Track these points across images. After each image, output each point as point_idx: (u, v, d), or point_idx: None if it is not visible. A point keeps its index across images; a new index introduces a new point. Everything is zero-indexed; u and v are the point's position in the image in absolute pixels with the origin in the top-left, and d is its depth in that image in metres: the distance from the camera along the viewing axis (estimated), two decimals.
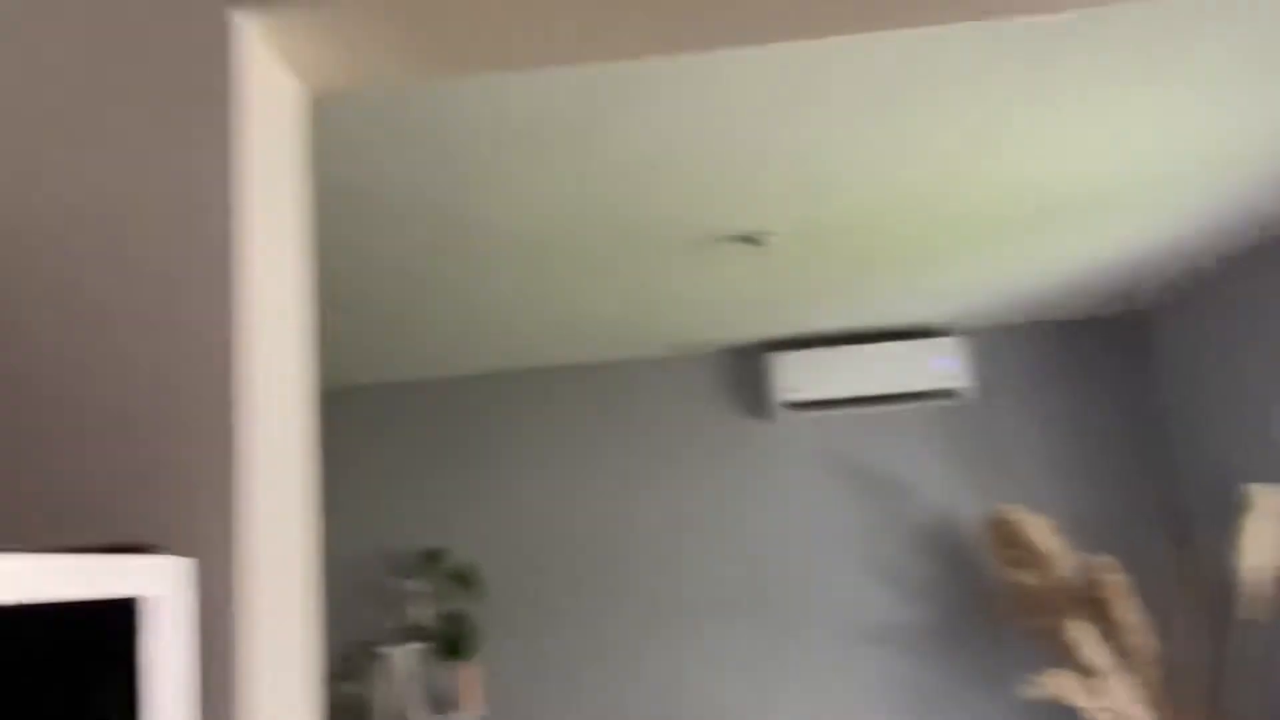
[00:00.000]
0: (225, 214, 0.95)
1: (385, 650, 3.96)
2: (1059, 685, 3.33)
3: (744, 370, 4.28)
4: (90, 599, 0.71)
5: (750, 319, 3.85)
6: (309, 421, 1.11)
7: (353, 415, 4.39)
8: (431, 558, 4.21)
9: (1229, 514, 3.45)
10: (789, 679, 3.99)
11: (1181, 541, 3.79)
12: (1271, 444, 3.34)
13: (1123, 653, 3.47)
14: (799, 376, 4.05)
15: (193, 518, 0.90)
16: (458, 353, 4.04)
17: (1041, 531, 3.58)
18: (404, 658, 4.00)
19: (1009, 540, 3.66)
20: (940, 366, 3.99)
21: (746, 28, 1.23)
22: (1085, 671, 3.40)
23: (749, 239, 2.80)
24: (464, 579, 4.15)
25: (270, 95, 1.08)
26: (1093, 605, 3.54)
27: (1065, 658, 3.52)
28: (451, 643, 4.07)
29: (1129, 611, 3.43)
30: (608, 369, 4.34)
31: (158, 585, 0.79)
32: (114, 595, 0.73)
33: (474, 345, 3.94)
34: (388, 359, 4.06)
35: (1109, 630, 3.51)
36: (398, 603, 4.22)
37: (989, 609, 3.91)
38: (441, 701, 4.02)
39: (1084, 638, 3.38)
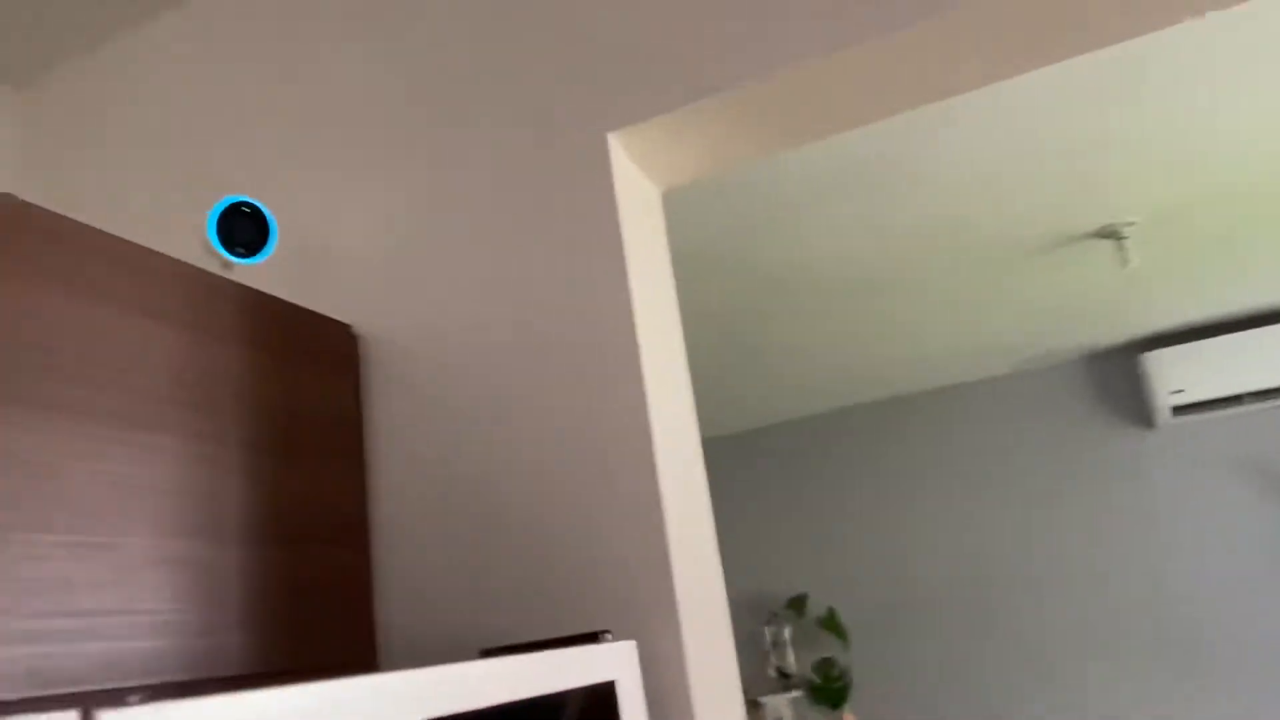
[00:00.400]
0: (626, 306, 1.03)
1: (762, 700, 3.99)
2: None
3: (1114, 375, 3.86)
4: (574, 687, 0.77)
5: (1116, 317, 3.47)
6: (704, 484, 1.15)
7: (716, 468, 4.55)
8: (797, 604, 4.20)
9: None
10: (1209, 712, 3.46)
11: None
12: None
13: None
14: (1183, 374, 3.57)
15: (637, 601, 0.96)
16: (804, 395, 4.05)
17: None
18: (781, 706, 4.00)
19: None
20: None
21: (1083, 39, 1.11)
22: None
23: (1106, 233, 2.54)
24: (833, 625, 4.09)
25: (638, 199, 1.16)
26: None
27: None
28: (826, 691, 4.02)
29: None
30: (960, 392, 4.12)
31: (623, 670, 0.84)
32: (593, 682, 0.79)
33: (819, 386, 3.92)
34: (735, 409, 4.16)
35: None
36: (768, 651, 4.25)
37: None
38: None
39: None
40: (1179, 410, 3.58)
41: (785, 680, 4.19)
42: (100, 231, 0.86)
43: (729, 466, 4.49)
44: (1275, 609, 3.46)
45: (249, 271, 1.29)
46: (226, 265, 1.13)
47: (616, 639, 0.94)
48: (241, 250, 1.10)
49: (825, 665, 4.11)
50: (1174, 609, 3.60)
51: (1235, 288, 3.28)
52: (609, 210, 1.05)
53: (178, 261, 0.93)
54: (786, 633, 4.21)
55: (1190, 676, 3.52)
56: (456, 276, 1.14)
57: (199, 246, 1.34)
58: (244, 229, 1.10)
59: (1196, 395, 3.53)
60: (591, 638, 0.89)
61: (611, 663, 0.83)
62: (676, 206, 2.15)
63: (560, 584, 1.01)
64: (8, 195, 0.78)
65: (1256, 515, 3.55)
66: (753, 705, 4.04)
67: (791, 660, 4.19)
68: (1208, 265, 3.00)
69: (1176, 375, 3.56)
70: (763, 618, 4.28)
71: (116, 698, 0.75)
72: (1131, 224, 2.55)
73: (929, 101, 1.20)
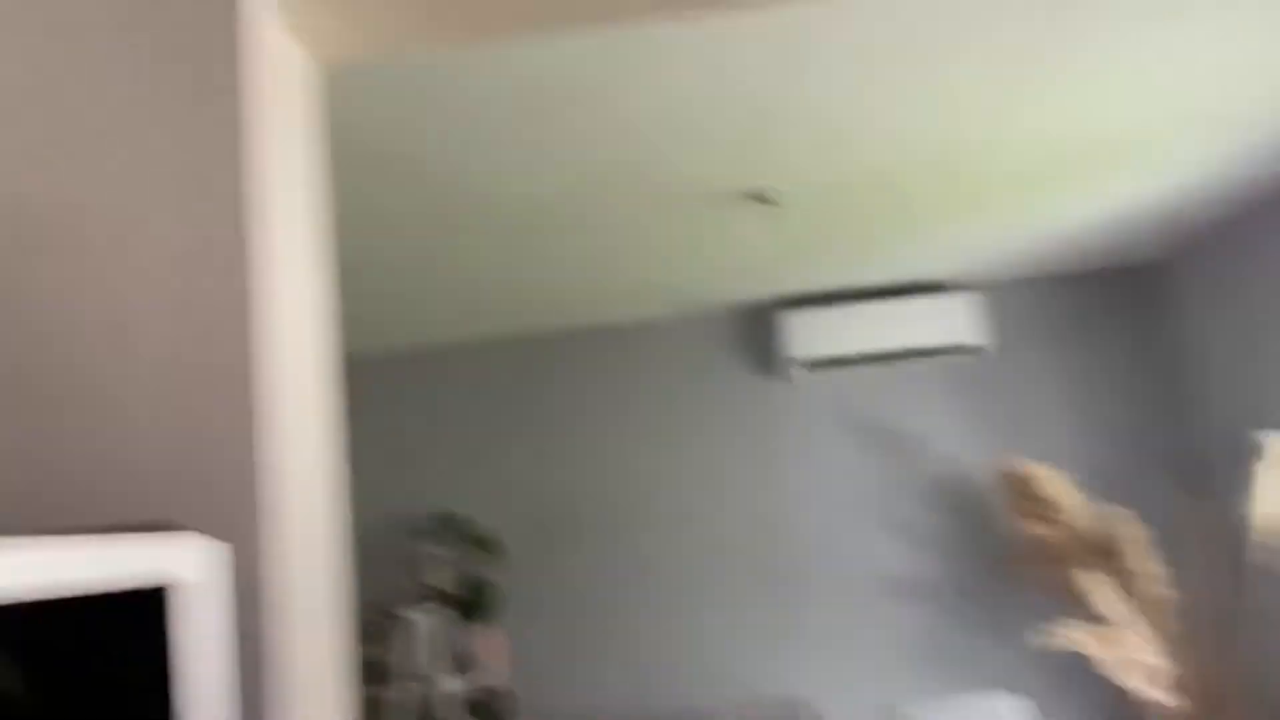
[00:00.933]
0: (237, 187, 0.94)
1: (405, 613, 4.02)
2: (1072, 636, 3.36)
3: (757, 329, 4.26)
4: (123, 585, 0.71)
5: (763, 277, 3.83)
6: (332, 392, 1.11)
7: (372, 382, 4.41)
8: (449, 522, 4.25)
9: (1242, 463, 3.45)
10: (806, 636, 4.03)
11: (1196, 491, 3.79)
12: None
13: (1137, 602, 3.49)
14: (812, 334, 4.03)
15: (219, 502, 0.90)
16: (473, 318, 4.04)
17: (1055, 484, 3.58)
18: (424, 620, 4.05)
19: (1023, 493, 3.66)
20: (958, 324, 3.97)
21: None
22: (1098, 622, 3.42)
23: (760, 197, 2.78)
24: (482, 543, 4.19)
25: (281, 67, 1.06)
26: (1107, 556, 3.55)
27: (1078, 609, 3.55)
28: (472, 606, 4.13)
29: (1145, 561, 3.45)
30: (621, 332, 4.33)
31: (190, 569, 0.79)
32: (147, 581, 0.74)
33: (488, 311, 3.93)
34: (403, 326, 4.06)
35: (1123, 581, 3.52)
36: (416, 566, 4.27)
37: (1004, 562, 3.93)
38: (463, 664, 4.08)
39: (1098, 588, 3.40)
40: (805, 365, 4.05)
41: (432, 595, 4.24)
42: None
43: (397, 385, 4.39)
44: (869, 549, 4.07)
45: None
46: None
47: (191, 536, 0.88)
48: None
49: (473, 582, 4.21)
50: (783, 546, 4.11)
51: (867, 263, 3.75)
52: (228, 72, 0.94)
53: None
54: (436, 549, 4.26)
55: (792, 606, 4.06)
56: (44, 132, 0.98)
57: None
58: None
59: (819, 353, 4.00)
60: (164, 529, 0.83)
61: (172, 559, 0.77)
62: (353, 96, 2.02)
63: (139, 478, 0.93)
64: None
65: (855, 461, 4.13)
66: (392, 618, 4.05)
67: (440, 576, 4.24)
68: (846, 240, 3.40)
69: (805, 334, 4.02)
70: (412, 534, 4.29)
71: None
72: (785, 192, 2.80)
73: (596, 23, 1.22)
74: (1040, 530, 3.61)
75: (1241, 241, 3.54)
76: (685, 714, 3.68)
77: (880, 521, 4.08)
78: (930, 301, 4.00)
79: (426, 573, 4.26)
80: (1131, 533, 3.43)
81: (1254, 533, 3.23)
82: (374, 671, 4.10)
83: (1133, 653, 3.37)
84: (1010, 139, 2.59)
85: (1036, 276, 4.17)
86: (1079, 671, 3.77)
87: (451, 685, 3.99)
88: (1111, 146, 2.72)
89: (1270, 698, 3.48)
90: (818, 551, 4.09)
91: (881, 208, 3.07)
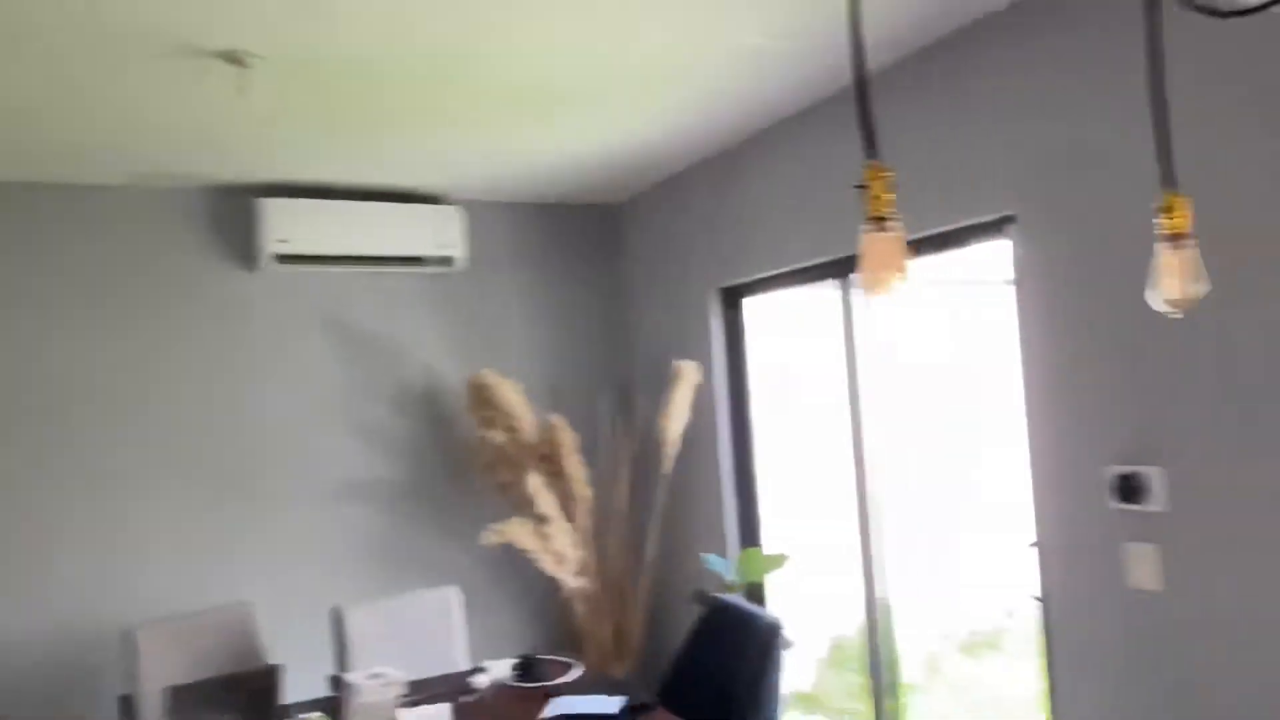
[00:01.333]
0: None
1: None
2: (512, 532, 3.68)
3: (230, 213, 3.89)
4: None
5: (238, 157, 3.49)
6: None
7: None
8: None
9: (664, 385, 4.07)
10: (262, 541, 3.86)
11: (625, 407, 4.39)
12: (699, 325, 3.98)
13: (567, 501, 3.94)
14: (291, 227, 3.81)
15: None
16: None
17: (511, 394, 3.87)
18: None
19: (484, 402, 3.90)
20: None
21: None
22: (538, 520, 3.80)
23: (230, 57, 2.50)
24: None
25: None
26: (548, 461, 3.95)
27: (525, 509, 3.90)
28: None
29: (576, 466, 3.90)
30: (65, 193, 3.64)
31: None
32: None
33: None
34: None
35: (559, 483, 3.95)
36: None
37: (464, 467, 4.16)
38: None
39: (538, 490, 3.77)
40: (281, 259, 3.81)
41: None
42: None
43: None
44: (333, 453, 3.98)
45: None
46: None
47: None
48: None
49: None
50: (243, 446, 3.86)
51: (353, 160, 3.62)
52: None
53: None
54: None
55: (249, 509, 3.84)
56: None
57: None
58: None
59: (296, 248, 3.80)
60: None
61: None
62: None
63: None
64: None
65: (326, 363, 4.02)
66: None
67: None
68: (331, 131, 3.23)
69: (282, 225, 3.78)
70: None
71: None
72: (258, 58, 2.56)
73: None
74: (496, 437, 3.88)
75: (677, 193, 4.12)
76: (124, 633, 3.30)
77: (347, 425, 4.04)
78: (414, 211, 4.01)
79: None
80: (566, 439, 3.85)
81: (662, 443, 3.84)
82: None
83: (560, 546, 3.81)
84: (500, 58, 2.67)
85: (515, 201, 4.41)
86: (518, 564, 4.16)
87: None
88: (588, 90, 2.95)
89: (667, 580, 4.21)
90: (279, 453, 3.92)
91: (371, 103, 2.97)
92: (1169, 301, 1.32)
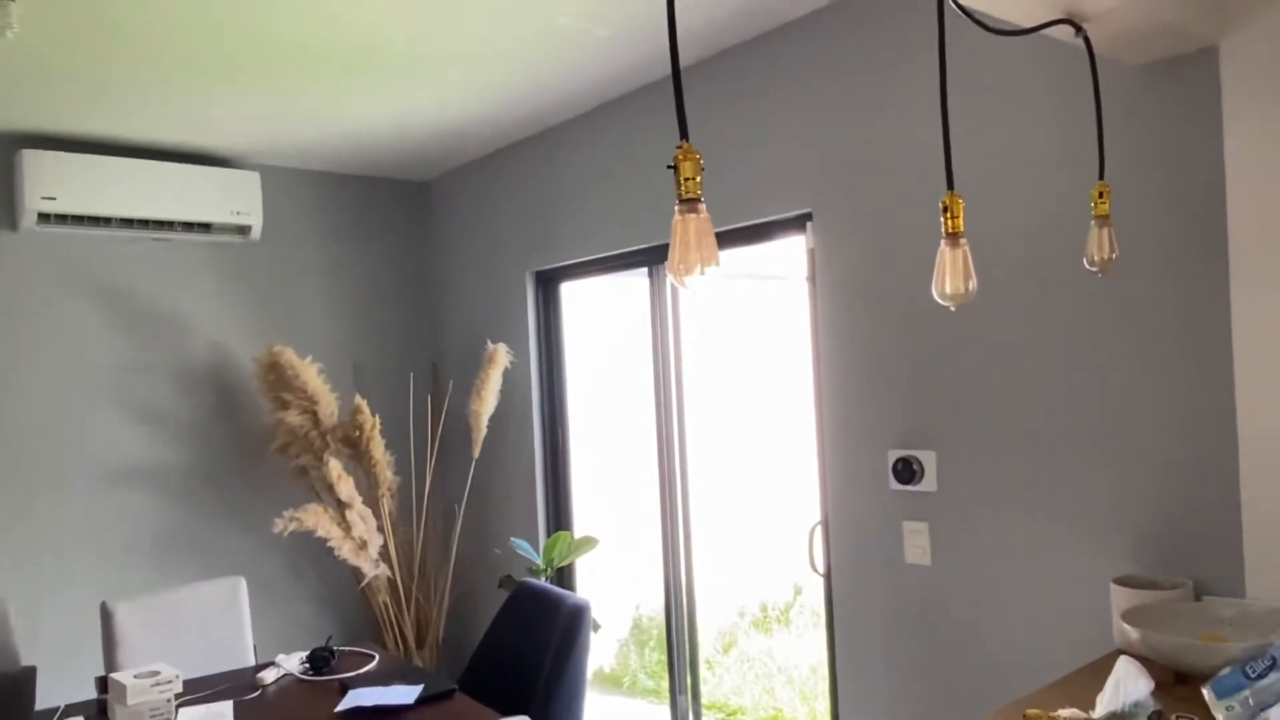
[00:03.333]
0: None
1: None
2: (310, 519, 3.51)
3: None
4: None
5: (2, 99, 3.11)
6: None
7: None
8: None
9: (476, 368, 4.00)
10: (23, 530, 3.47)
11: (434, 389, 4.28)
12: (513, 308, 3.94)
13: (371, 487, 3.80)
14: (58, 183, 3.43)
15: None
16: None
17: (309, 373, 3.68)
18: None
19: (279, 381, 3.68)
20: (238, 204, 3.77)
21: None
22: (339, 506, 3.64)
23: None
24: None
25: None
26: (348, 444, 3.79)
27: (324, 494, 3.73)
28: None
29: (378, 449, 3.77)
30: None
31: None
32: None
33: None
34: None
35: (361, 467, 3.80)
36: None
37: (255, 448, 3.92)
38: None
39: (338, 474, 3.61)
40: (47, 218, 3.44)
41: None
42: None
43: None
44: (106, 435, 3.63)
45: None
46: None
47: None
48: None
49: None
50: (7, 418, 3.46)
51: (137, 114, 3.31)
52: None
53: None
54: None
55: (16, 483, 3.44)
56: None
57: None
58: None
59: (68, 207, 3.43)
60: None
61: None
62: None
63: None
64: None
65: (99, 336, 3.66)
66: None
67: None
68: (109, 80, 2.93)
69: (50, 181, 3.40)
70: None
71: None
72: None
73: None
74: (292, 418, 3.68)
75: (491, 173, 4.05)
76: None
77: (124, 405, 3.70)
78: (205, 173, 3.73)
79: None
80: (371, 423, 3.71)
81: (474, 427, 3.78)
82: None
83: (360, 532, 3.67)
84: (282, 10, 2.51)
85: (317, 170, 4.19)
86: (316, 553, 3.97)
87: None
88: (399, 60, 2.84)
89: (474, 568, 4.14)
90: (45, 434, 3.54)
91: (157, 51, 2.73)
92: (946, 296, 1.43)
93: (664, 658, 3.56)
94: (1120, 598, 1.96)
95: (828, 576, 2.76)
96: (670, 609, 3.38)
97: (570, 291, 3.91)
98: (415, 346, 4.43)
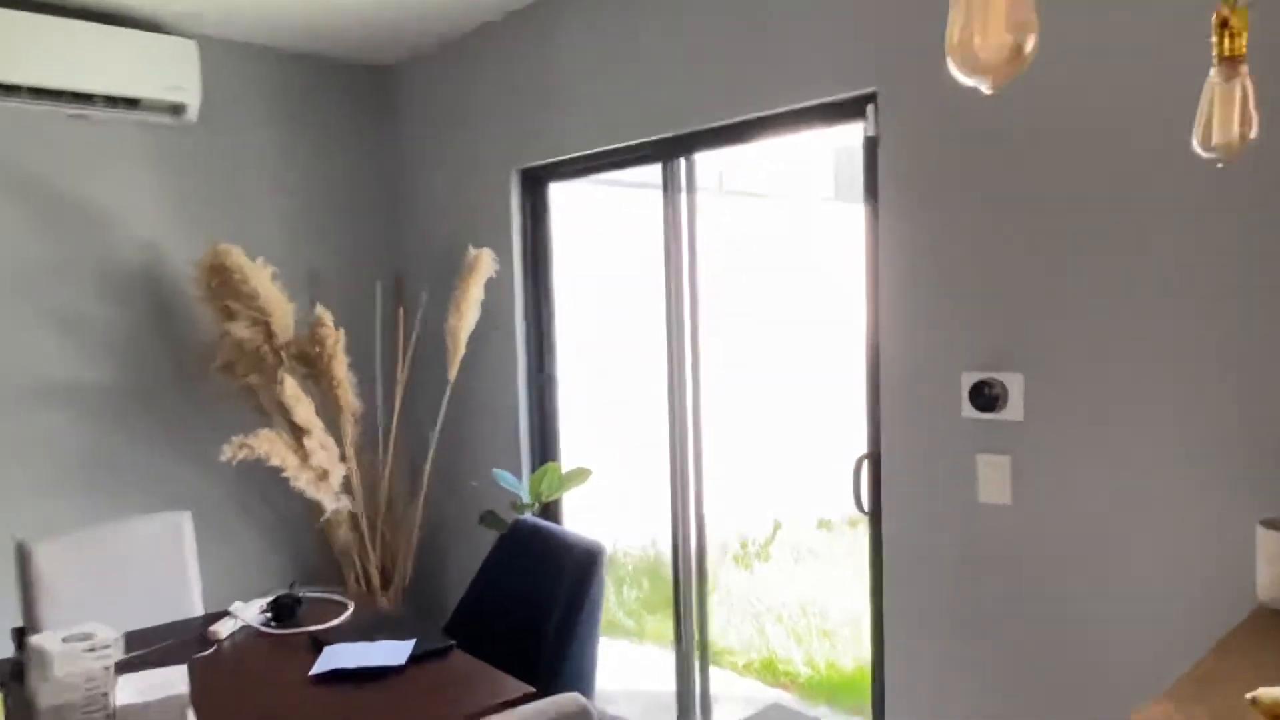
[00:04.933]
0: None
1: None
2: (262, 445, 3.05)
3: None
4: None
5: None
6: None
7: None
8: None
9: (451, 276, 3.53)
10: None
11: (403, 300, 3.80)
12: (495, 212, 3.46)
13: (331, 410, 3.34)
14: None
15: None
16: None
17: (259, 277, 3.17)
18: None
19: (224, 287, 3.17)
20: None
21: None
22: (293, 431, 3.18)
23: None
24: None
25: None
26: (305, 361, 3.32)
27: (276, 418, 3.26)
28: None
29: (340, 368, 3.30)
30: None
31: None
32: None
33: None
34: None
35: (320, 388, 3.34)
36: None
37: (195, 365, 3.41)
38: None
39: (294, 394, 3.14)
40: None
41: None
42: None
43: None
44: (23, 346, 3.08)
45: None
46: None
47: None
48: None
49: None
50: None
51: None
52: None
53: None
54: None
55: None
56: None
57: None
58: None
59: None
60: None
61: None
62: None
63: None
64: None
65: (12, 232, 3.08)
66: None
67: None
68: None
69: None
70: None
71: None
72: None
73: None
74: (239, 330, 3.18)
75: (468, 55, 3.52)
76: None
77: (37, 313, 3.15)
78: (132, 38, 3.14)
79: None
80: (333, 337, 3.23)
81: (451, 345, 3.32)
82: None
83: (319, 461, 3.22)
84: None
85: (263, 44, 3.60)
86: (267, 484, 3.51)
87: None
88: None
89: (447, 502, 3.73)
90: None
91: None
92: (1213, 147, 1.05)
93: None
94: (1272, 544, 1.66)
95: (875, 516, 2.43)
96: (677, 544, 3.03)
97: (562, 193, 3.44)
98: (379, 253, 3.93)
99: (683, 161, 2.89)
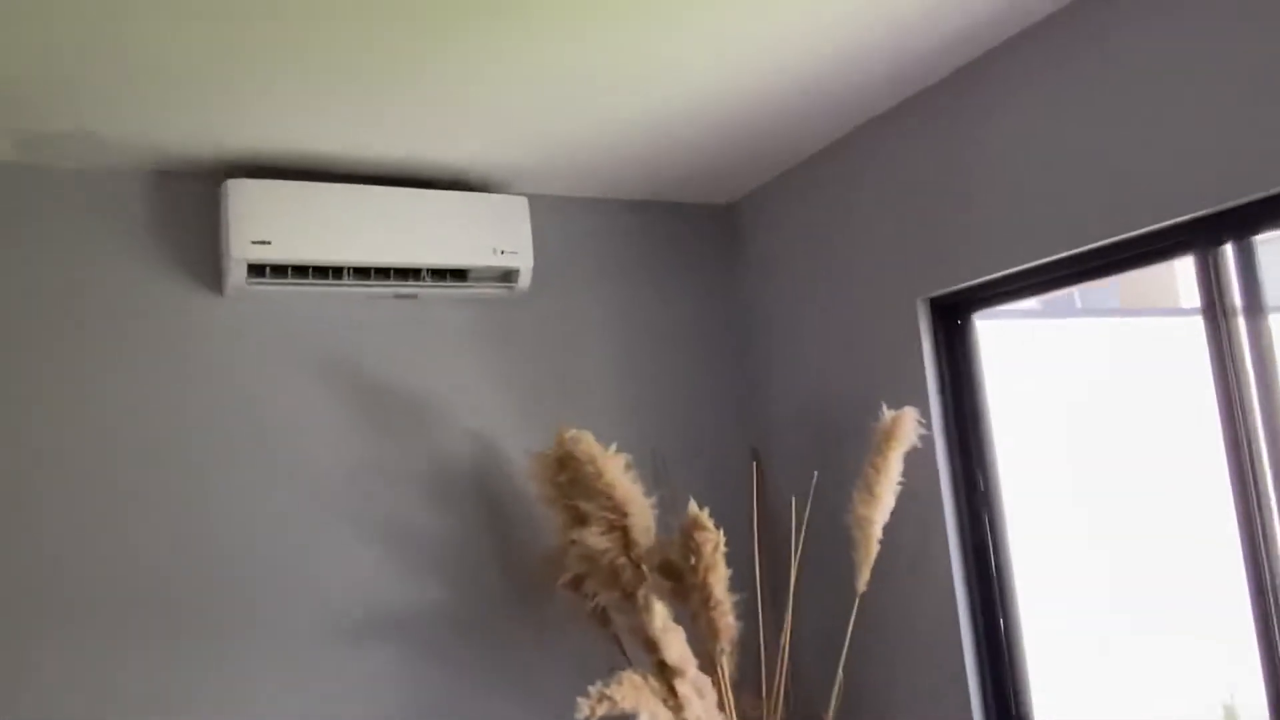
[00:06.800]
0: None
1: None
2: (629, 695, 2.25)
3: (172, 203, 2.60)
4: None
5: (198, 120, 2.19)
6: None
7: None
8: None
9: (832, 444, 2.68)
10: (229, 694, 2.44)
11: (761, 480, 2.98)
12: (893, 362, 2.61)
13: (703, 637, 2.51)
14: (272, 222, 2.50)
15: None
16: None
17: (615, 470, 2.46)
18: None
19: (573, 484, 2.49)
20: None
21: None
22: (661, 670, 2.37)
23: None
24: None
25: None
26: (671, 574, 2.53)
27: (637, 652, 2.48)
28: None
29: (721, 583, 2.46)
30: None
31: None
32: None
33: None
34: None
35: (690, 608, 2.53)
36: None
37: (534, 583, 2.76)
38: None
39: (664, 624, 2.34)
40: (258, 271, 2.50)
41: None
42: None
43: None
44: (337, 557, 2.60)
45: None
46: None
47: None
48: None
49: None
50: (208, 548, 2.49)
51: (360, 117, 2.33)
52: None
53: None
54: None
55: (219, 635, 2.45)
56: None
57: None
58: None
59: (282, 254, 2.48)
60: None
61: None
62: None
63: None
64: None
65: (316, 428, 2.65)
66: None
67: None
68: (328, 56, 1.93)
69: (263, 220, 2.47)
70: None
71: None
72: None
73: None
74: (593, 540, 2.46)
75: (827, 170, 2.78)
76: None
77: (361, 525, 2.65)
78: (460, 200, 2.71)
79: None
80: (711, 544, 2.41)
81: (860, 541, 2.42)
82: None
83: (693, 713, 2.37)
84: None
85: (598, 198, 3.10)
86: None
87: None
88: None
89: None
90: (257, 569, 2.53)
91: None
92: None
93: None
94: None
95: None
96: None
97: (992, 330, 2.53)
98: (736, 425, 3.18)
99: (1229, 249, 1.89)
